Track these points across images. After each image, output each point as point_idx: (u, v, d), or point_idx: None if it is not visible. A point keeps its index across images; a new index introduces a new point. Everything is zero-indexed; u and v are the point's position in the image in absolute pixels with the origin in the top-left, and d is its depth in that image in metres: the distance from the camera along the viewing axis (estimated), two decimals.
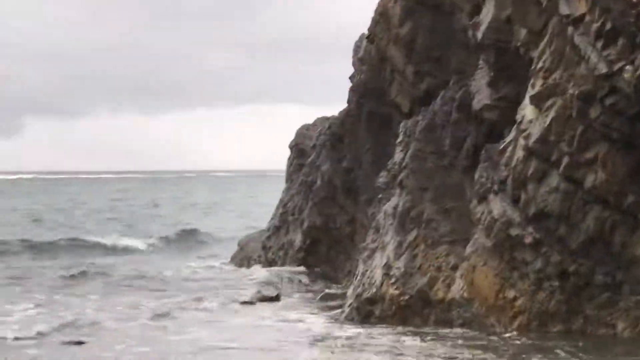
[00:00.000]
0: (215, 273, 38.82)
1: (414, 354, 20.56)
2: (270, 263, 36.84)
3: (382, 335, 22.42)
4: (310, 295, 30.36)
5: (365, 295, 24.55)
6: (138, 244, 55.22)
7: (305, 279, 33.07)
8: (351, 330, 23.55)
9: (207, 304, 28.99)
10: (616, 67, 20.39)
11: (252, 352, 21.79)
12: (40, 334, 23.31)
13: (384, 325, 23.45)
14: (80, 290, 32.27)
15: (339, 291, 29.63)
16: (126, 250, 52.89)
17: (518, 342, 21.59)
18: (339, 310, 25.88)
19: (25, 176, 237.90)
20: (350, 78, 34.22)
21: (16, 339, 22.80)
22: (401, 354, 20.71)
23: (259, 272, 35.86)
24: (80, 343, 22.15)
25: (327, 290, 30.45)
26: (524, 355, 20.36)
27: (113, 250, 52.51)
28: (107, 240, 55.13)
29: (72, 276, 36.32)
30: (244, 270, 38.44)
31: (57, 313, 26.76)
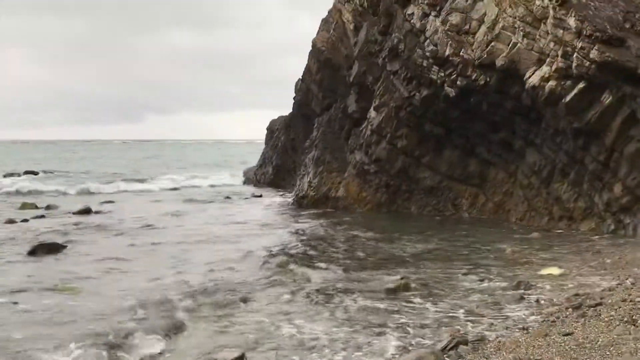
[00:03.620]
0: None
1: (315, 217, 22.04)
2: (258, 181, 37.76)
3: (305, 209, 23.82)
4: (275, 195, 30.88)
5: (299, 194, 26.35)
6: None
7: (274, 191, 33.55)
8: (291, 208, 25.08)
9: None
10: (412, 93, 22.57)
11: (251, 209, 22.37)
12: None
13: (307, 208, 24.95)
14: None
15: (288, 194, 30.03)
16: None
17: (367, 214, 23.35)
18: (288, 200, 27.59)
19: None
20: (293, 98, 33.65)
21: None
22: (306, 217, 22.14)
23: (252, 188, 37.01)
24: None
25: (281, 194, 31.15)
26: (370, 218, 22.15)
27: None
28: None
29: None
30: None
31: None
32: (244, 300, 11.33)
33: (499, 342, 8.28)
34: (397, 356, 8.21)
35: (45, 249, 15.79)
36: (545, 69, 18.16)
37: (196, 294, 11.50)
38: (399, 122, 23.48)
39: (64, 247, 16.38)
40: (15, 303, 10.90)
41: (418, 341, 8.86)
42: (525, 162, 20.89)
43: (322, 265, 14.43)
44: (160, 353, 8.74)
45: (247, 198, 30.36)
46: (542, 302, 10.29)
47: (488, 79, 20.23)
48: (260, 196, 30.75)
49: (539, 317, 9.33)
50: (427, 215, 23.12)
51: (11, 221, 21.59)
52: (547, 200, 19.91)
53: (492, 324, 9.32)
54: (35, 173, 48.87)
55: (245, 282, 12.70)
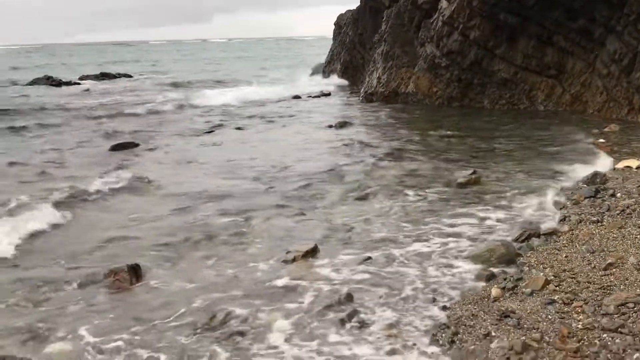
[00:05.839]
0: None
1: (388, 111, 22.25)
2: (327, 78, 37.32)
3: (374, 106, 23.71)
4: (343, 93, 31.05)
5: (368, 91, 26.30)
6: None
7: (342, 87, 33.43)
8: (360, 104, 24.85)
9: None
10: None
11: (320, 107, 22.80)
12: None
13: (376, 105, 24.80)
14: None
15: (356, 90, 29.64)
16: None
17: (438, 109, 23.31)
18: (356, 98, 27.42)
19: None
20: None
21: None
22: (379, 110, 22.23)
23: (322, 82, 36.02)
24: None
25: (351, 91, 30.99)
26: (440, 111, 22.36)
27: None
28: None
29: None
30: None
31: None
32: (317, 197, 11.66)
33: (572, 234, 8.28)
34: (468, 248, 8.33)
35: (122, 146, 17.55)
36: None
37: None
38: (472, 12, 22.88)
39: (137, 145, 17.84)
40: None
41: (489, 233, 8.96)
42: (605, 50, 20.18)
43: (393, 160, 14.59)
44: None
45: (317, 97, 30.18)
46: (619, 194, 10.12)
47: None
48: (329, 94, 30.60)
49: (614, 210, 9.21)
50: (500, 109, 22.87)
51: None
52: (628, 90, 19.27)
53: (565, 216, 9.31)
54: (110, 75, 49.51)
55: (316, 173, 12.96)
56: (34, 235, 9.41)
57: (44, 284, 7.81)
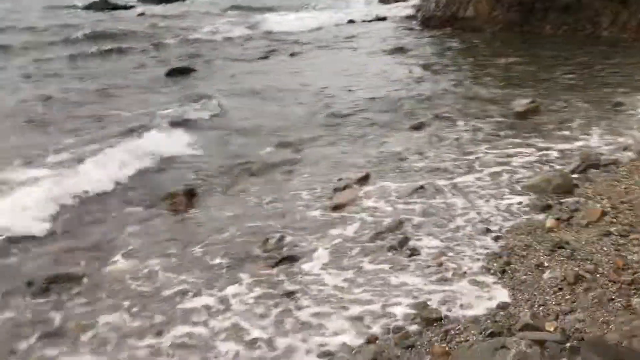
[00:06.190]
0: None
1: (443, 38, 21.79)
2: (382, 1, 36.02)
3: (431, 31, 23.24)
4: (400, 17, 29.04)
5: (426, 15, 25.84)
6: None
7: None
8: (417, 29, 24.27)
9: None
10: None
11: (375, 32, 21.99)
12: None
13: (433, 30, 24.10)
14: None
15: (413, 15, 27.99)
16: None
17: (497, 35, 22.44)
18: (413, 22, 26.41)
19: None
20: None
21: None
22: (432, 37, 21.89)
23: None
24: None
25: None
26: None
27: None
28: None
29: None
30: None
31: None
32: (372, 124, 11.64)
33: (633, 165, 8.10)
34: (523, 178, 8.23)
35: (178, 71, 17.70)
36: None
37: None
38: None
39: (193, 70, 17.96)
40: None
41: (546, 164, 8.83)
42: None
43: (449, 88, 14.34)
44: None
45: (372, 21, 29.33)
46: None
47: None
48: (385, 19, 29.68)
49: None
50: (562, 35, 21.97)
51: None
52: None
53: (626, 147, 9.09)
54: None
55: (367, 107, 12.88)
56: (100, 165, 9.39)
57: (105, 204, 8.18)
